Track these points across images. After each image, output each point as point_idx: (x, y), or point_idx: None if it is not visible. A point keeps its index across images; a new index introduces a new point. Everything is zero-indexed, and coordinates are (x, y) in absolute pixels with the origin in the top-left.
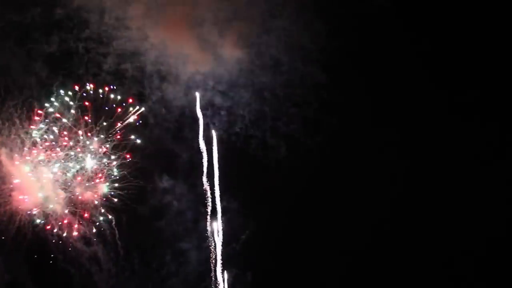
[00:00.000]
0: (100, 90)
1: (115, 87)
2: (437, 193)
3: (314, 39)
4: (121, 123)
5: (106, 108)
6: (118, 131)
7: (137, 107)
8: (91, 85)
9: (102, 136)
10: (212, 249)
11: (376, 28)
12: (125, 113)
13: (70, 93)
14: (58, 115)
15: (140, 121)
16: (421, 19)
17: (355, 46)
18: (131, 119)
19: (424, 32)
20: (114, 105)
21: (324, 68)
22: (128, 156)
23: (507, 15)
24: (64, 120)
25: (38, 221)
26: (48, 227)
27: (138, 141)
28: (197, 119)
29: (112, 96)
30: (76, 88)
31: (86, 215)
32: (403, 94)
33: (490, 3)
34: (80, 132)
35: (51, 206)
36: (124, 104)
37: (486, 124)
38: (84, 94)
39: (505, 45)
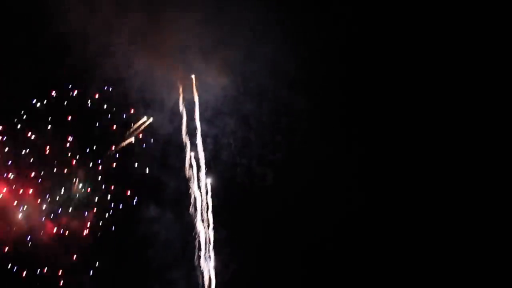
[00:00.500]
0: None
1: (111, 89)
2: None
3: (298, 65)
4: (116, 147)
5: (97, 125)
6: (114, 155)
7: (145, 118)
8: (75, 92)
9: (91, 163)
10: (201, 280)
11: (361, 53)
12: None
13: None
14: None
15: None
16: (405, 44)
17: (340, 72)
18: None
19: (408, 56)
20: (109, 115)
21: (310, 95)
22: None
23: None
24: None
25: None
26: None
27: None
28: (183, 147)
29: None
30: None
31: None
32: (390, 119)
33: None
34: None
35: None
36: (124, 116)
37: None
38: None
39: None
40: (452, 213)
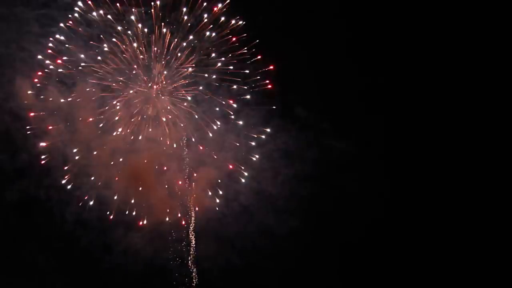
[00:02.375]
0: None
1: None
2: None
3: (281, 186)
4: None
5: None
6: None
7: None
8: None
9: None
10: None
11: (340, 173)
12: None
13: None
14: None
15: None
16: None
17: (323, 189)
18: None
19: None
20: None
21: (294, 216)
22: None
23: None
24: None
25: None
26: None
27: None
28: (164, 270)
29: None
30: None
31: None
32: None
33: None
34: None
35: None
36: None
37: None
38: None
39: None
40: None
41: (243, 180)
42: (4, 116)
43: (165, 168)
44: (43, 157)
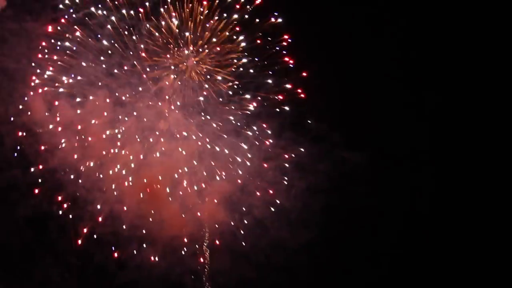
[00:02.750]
0: None
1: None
2: None
3: (296, 198)
4: None
5: None
6: None
7: None
8: None
9: None
10: None
11: (354, 185)
12: None
13: None
14: None
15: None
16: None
17: (336, 202)
18: None
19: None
20: None
21: (308, 229)
22: None
23: None
24: None
25: None
26: None
27: None
28: (179, 286)
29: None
30: None
31: None
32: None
33: None
34: None
35: None
36: None
37: None
38: None
39: None
40: None
41: (272, 209)
42: (16, 131)
43: (177, 182)
44: (56, 172)
